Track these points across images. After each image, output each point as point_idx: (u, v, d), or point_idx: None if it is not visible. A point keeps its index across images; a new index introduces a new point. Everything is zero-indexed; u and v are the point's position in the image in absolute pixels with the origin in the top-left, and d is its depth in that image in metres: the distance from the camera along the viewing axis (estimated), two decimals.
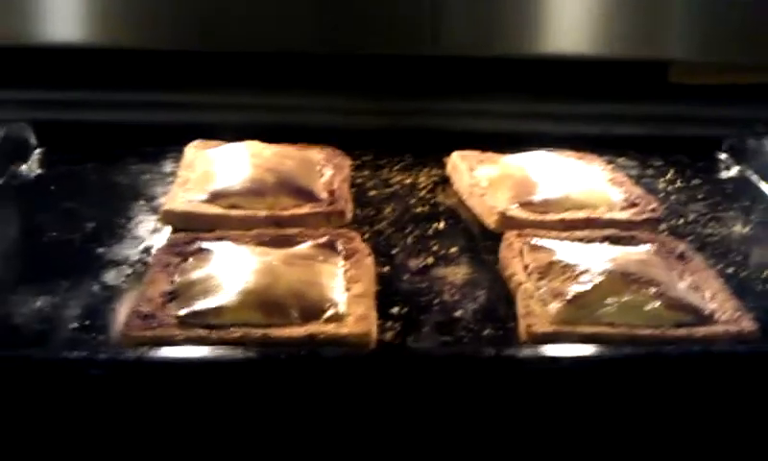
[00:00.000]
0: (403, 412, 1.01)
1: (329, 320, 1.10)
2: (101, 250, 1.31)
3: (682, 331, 1.10)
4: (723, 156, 1.74)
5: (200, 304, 1.10)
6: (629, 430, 1.04)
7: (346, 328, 1.08)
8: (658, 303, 1.13)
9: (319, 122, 1.71)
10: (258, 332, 1.06)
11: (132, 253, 1.31)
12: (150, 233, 1.37)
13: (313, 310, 1.11)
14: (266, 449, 1.03)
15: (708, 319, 1.13)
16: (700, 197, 1.57)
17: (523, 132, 1.70)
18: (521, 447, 1.04)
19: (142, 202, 1.48)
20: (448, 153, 1.61)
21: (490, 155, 1.59)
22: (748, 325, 1.11)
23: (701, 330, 1.10)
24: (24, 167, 1.60)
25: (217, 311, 1.09)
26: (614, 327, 1.10)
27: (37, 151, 1.66)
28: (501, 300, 1.20)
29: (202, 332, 1.06)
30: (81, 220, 1.40)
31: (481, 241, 1.38)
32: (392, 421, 1.01)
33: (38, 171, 1.60)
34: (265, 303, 1.10)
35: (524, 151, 1.59)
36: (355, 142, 1.68)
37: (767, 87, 1.71)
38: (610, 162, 1.62)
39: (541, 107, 1.78)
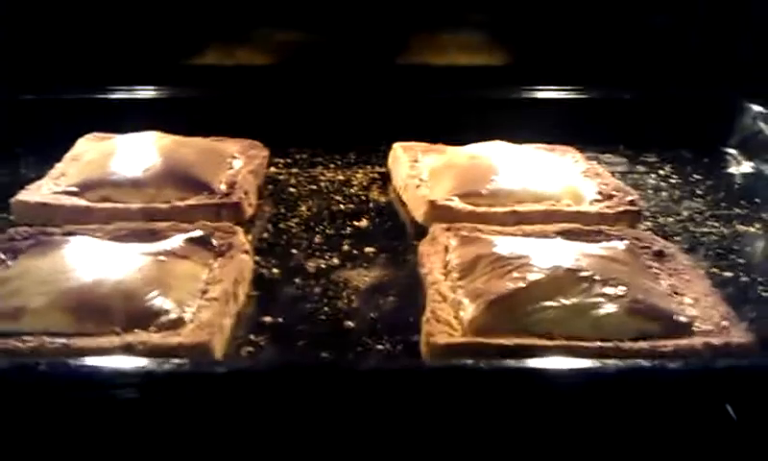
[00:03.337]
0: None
1: (163, 327, 0.82)
2: None
3: (643, 344, 0.79)
4: (732, 150, 1.42)
5: None
6: None
7: (178, 338, 0.80)
8: (615, 307, 0.83)
9: None
10: (59, 342, 0.78)
11: None
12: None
13: (144, 316, 0.83)
14: None
15: (683, 329, 0.82)
16: (699, 193, 1.26)
17: None
18: None
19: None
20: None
21: (438, 146, 1.30)
22: (739, 336, 0.81)
23: (670, 343, 0.79)
24: None
25: (14, 315, 0.82)
26: (552, 339, 0.80)
27: None
28: (413, 307, 0.91)
29: None
30: None
31: (409, 241, 1.09)
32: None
33: None
34: (80, 306, 0.83)
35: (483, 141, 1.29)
36: (293, 139, 1.41)
37: None
38: (588, 157, 1.32)
39: None
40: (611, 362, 0.72)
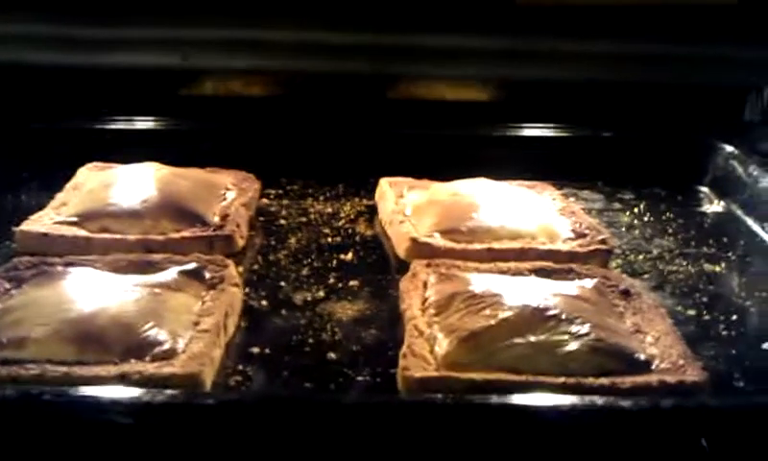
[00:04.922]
0: None
1: (157, 358, 0.88)
2: None
3: (603, 380, 0.85)
4: (705, 189, 1.49)
5: (2, 336, 0.89)
6: None
7: (171, 368, 0.85)
8: (578, 345, 0.89)
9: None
10: (60, 370, 0.84)
11: None
12: (5, 260, 1.15)
13: (139, 346, 0.89)
14: None
15: (642, 366, 0.89)
16: (670, 231, 1.33)
17: None
18: None
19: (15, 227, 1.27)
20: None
21: (423, 181, 1.37)
22: (693, 374, 0.87)
23: (628, 380, 0.85)
24: None
25: (19, 343, 0.88)
26: (518, 374, 0.86)
27: None
28: (393, 340, 0.97)
29: None
30: None
31: (392, 274, 1.15)
32: None
33: None
34: (80, 336, 0.89)
35: (467, 177, 1.35)
36: (285, 171, 1.48)
37: None
38: (567, 194, 1.39)
39: None
40: (592, 399, 0.79)
